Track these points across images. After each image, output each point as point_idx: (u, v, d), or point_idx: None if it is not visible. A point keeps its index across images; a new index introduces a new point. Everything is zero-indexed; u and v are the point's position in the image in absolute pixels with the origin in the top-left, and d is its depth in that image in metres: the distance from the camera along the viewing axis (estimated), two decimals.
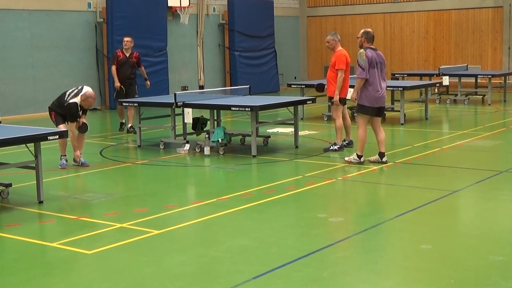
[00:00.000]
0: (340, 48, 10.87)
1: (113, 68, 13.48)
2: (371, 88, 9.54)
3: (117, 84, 13.39)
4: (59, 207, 7.74)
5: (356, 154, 9.82)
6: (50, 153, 10.95)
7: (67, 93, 9.93)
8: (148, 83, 13.94)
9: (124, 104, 12.91)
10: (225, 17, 22.44)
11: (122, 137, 13.18)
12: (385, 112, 15.11)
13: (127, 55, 13.48)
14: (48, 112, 10.13)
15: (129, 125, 13.51)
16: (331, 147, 10.91)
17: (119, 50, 13.67)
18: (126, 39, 13.54)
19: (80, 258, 5.94)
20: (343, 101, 10.88)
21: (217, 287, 5.17)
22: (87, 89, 9.85)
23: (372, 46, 9.70)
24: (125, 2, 18.79)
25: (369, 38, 9.72)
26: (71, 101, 9.75)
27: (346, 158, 9.94)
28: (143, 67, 13.92)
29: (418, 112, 16.30)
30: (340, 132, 10.96)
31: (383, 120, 14.77)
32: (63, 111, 9.86)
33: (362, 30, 9.88)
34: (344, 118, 11.10)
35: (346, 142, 11.20)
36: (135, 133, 13.12)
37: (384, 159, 9.83)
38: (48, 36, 17.54)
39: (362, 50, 9.61)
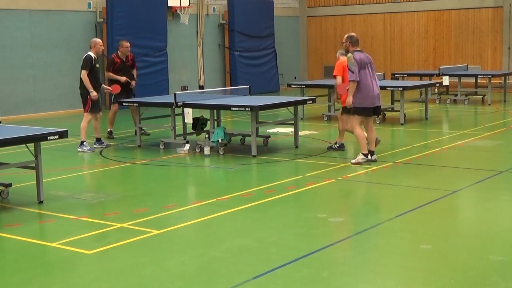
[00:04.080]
0: (356, 49, 10.16)
1: (110, 74, 12.82)
2: (366, 89, 9.67)
3: (123, 78, 12.68)
4: (59, 207, 7.74)
5: (362, 153, 9.81)
6: (50, 153, 10.97)
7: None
8: (134, 83, 13.10)
9: (125, 104, 12.68)
10: (225, 17, 22.44)
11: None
12: (385, 112, 15.21)
13: (123, 59, 12.99)
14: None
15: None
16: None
17: (115, 55, 13.07)
18: (127, 45, 12.97)
19: (80, 258, 5.93)
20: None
21: (217, 287, 5.17)
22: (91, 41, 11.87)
23: (358, 49, 9.84)
24: (125, 2, 18.79)
25: (354, 42, 9.89)
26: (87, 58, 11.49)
27: (353, 161, 9.83)
28: (135, 69, 13.35)
29: (418, 112, 16.29)
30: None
31: (383, 120, 14.80)
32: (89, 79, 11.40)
33: (346, 35, 10.04)
34: (341, 119, 10.86)
35: (338, 145, 10.88)
36: (148, 134, 13.12)
37: (374, 157, 9.86)
38: (48, 36, 17.54)
39: (350, 54, 9.75)
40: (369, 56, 9.95)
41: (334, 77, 10.99)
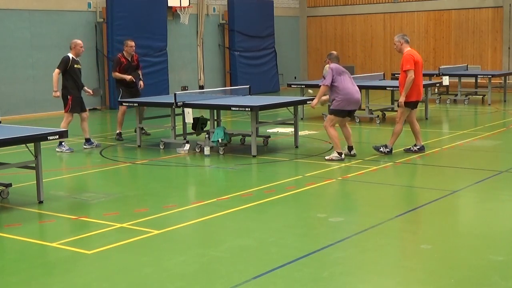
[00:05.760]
0: (408, 48, 10.49)
1: (116, 73, 12.79)
2: (346, 93, 10.12)
3: (129, 77, 12.65)
4: (59, 207, 7.74)
5: (336, 152, 10.05)
6: (50, 153, 10.97)
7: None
8: (142, 83, 13.12)
9: (125, 104, 12.62)
10: (225, 17, 22.44)
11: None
12: (385, 112, 15.19)
13: (129, 59, 12.92)
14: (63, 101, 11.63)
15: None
16: (381, 149, 10.48)
17: (120, 55, 12.97)
18: (131, 44, 12.89)
19: (80, 258, 5.93)
20: (413, 104, 10.53)
21: (217, 287, 5.17)
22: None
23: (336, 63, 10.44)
24: (125, 2, 18.79)
25: (332, 58, 10.40)
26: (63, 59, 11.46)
27: (327, 157, 10.13)
28: (140, 68, 13.40)
29: (418, 112, 16.18)
30: (395, 136, 10.47)
31: (383, 120, 14.79)
32: (68, 80, 11.47)
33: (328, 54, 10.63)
34: (412, 123, 10.64)
35: (418, 147, 10.60)
36: (149, 134, 13.12)
37: (353, 152, 10.32)
38: (48, 36, 17.54)
39: (326, 65, 10.47)
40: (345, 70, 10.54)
41: (405, 71, 10.37)
